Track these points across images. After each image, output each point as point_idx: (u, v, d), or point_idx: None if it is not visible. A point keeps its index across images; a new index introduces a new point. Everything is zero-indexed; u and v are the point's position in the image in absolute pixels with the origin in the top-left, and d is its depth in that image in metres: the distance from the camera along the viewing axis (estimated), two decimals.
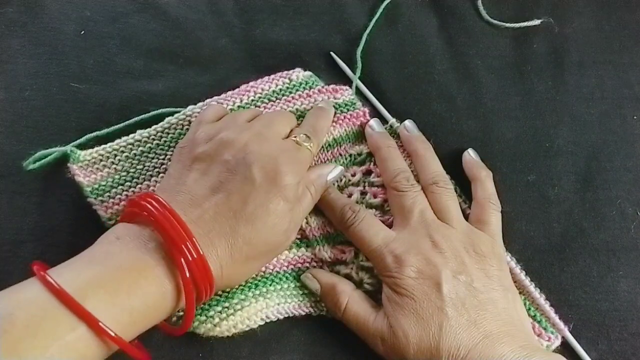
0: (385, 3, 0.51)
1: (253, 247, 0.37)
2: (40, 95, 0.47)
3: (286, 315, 0.42)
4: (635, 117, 0.49)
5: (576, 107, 0.49)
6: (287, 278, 0.43)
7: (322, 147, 0.46)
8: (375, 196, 0.45)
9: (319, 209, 0.44)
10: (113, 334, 0.31)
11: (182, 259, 0.34)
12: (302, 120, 0.45)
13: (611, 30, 0.52)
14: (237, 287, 0.41)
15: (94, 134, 0.45)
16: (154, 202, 0.35)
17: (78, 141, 0.45)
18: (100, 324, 0.30)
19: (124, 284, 0.32)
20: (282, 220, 0.38)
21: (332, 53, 0.49)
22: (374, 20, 0.50)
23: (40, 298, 0.31)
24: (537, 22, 0.51)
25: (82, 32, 0.49)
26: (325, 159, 0.46)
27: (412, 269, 0.39)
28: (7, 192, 0.44)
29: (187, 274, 0.34)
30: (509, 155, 0.47)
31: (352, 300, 0.40)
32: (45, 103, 0.47)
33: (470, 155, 0.46)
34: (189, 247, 0.34)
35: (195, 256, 0.34)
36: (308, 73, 0.48)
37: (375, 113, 0.48)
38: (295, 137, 0.41)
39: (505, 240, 0.43)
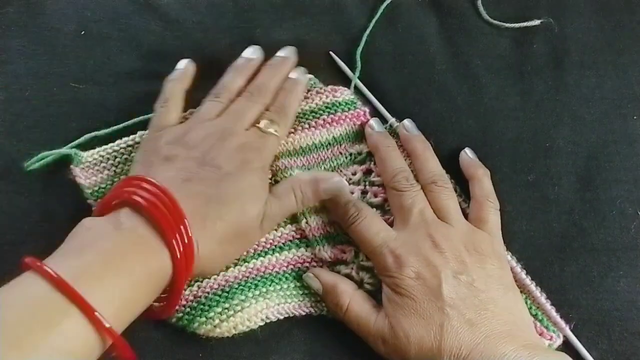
0: (385, 3, 0.51)
1: (225, 226, 0.38)
2: (40, 95, 0.47)
3: (286, 316, 0.42)
4: (635, 117, 0.49)
5: (576, 107, 0.49)
6: (287, 278, 0.43)
7: (322, 145, 0.46)
8: (375, 195, 0.45)
9: (319, 208, 0.44)
10: (108, 325, 0.31)
11: (174, 240, 0.35)
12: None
13: (611, 30, 0.52)
14: (237, 287, 0.41)
15: (93, 134, 0.45)
16: (143, 183, 0.37)
17: (77, 141, 0.45)
18: (96, 313, 0.31)
19: (112, 268, 0.33)
20: (252, 202, 0.40)
21: (331, 52, 0.49)
22: (374, 20, 0.50)
23: (37, 290, 0.31)
24: (537, 22, 0.51)
25: (83, 32, 0.49)
26: (325, 157, 0.46)
27: (412, 269, 0.39)
28: (7, 192, 0.44)
29: (179, 255, 0.35)
30: (509, 155, 0.47)
31: (353, 301, 0.40)
32: (45, 103, 0.47)
33: (467, 155, 0.46)
34: (182, 229, 0.35)
35: (186, 238, 0.35)
36: (307, 76, 0.48)
37: (375, 113, 0.48)
38: (259, 124, 0.43)
39: (505, 239, 0.43)
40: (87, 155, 0.44)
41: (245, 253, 0.43)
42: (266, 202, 0.40)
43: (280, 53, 0.47)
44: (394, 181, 0.43)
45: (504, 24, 0.51)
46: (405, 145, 0.46)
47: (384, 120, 0.47)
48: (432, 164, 0.44)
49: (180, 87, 0.45)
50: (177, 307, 0.41)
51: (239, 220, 0.39)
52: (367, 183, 0.45)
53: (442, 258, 0.39)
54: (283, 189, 0.42)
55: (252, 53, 0.47)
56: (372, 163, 0.46)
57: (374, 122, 0.46)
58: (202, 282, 0.41)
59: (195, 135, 0.41)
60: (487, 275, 0.39)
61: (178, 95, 0.45)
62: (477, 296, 0.38)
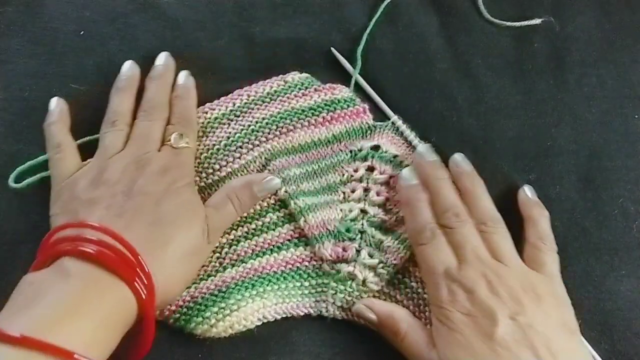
0: (386, 2, 0.51)
1: (174, 249, 0.38)
2: (40, 95, 0.47)
3: (284, 316, 0.42)
4: (636, 117, 0.49)
5: (577, 106, 0.49)
6: (285, 278, 0.43)
7: (322, 142, 0.46)
8: (378, 194, 0.45)
9: (317, 208, 0.44)
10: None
11: (136, 282, 0.35)
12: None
13: (612, 29, 0.52)
14: (234, 287, 0.41)
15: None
16: (81, 229, 0.36)
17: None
18: (76, 355, 0.30)
19: (66, 315, 0.32)
20: (192, 220, 0.40)
21: (332, 49, 0.49)
22: (374, 19, 0.50)
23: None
24: (538, 21, 0.51)
25: (82, 32, 0.49)
26: (325, 154, 0.46)
27: (464, 306, 0.38)
28: (7, 192, 0.44)
29: (144, 295, 0.35)
30: (510, 154, 0.47)
31: (411, 328, 0.40)
32: (45, 103, 0.46)
33: (526, 193, 0.44)
34: (139, 267, 0.35)
35: (144, 276, 0.35)
36: (305, 75, 0.48)
37: (376, 109, 0.48)
38: (169, 141, 0.42)
39: None
40: None
41: (243, 254, 0.43)
42: (206, 216, 0.41)
43: (158, 62, 0.47)
44: (444, 218, 0.41)
45: (504, 22, 0.51)
46: (456, 182, 0.44)
47: (384, 116, 0.47)
48: (483, 203, 0.42)
49: (64, 127, 0.44)
50: (174, 308, 0.41)
51: (185, 239, 0.39)
52: (369, 181, 0.45)
53: (496, 299, 0.37)
54: (219, 200, 0.42)
55: (128, 69, 0.46)
56: (374, 160, 0.45)
57: (424, 150, 0.44)
58: (199, 283, 0.41)
59: (113, 172, 0.40)
60: (547, 316, 0.38)
61: (68, 137, 0.44)
62: (535, 337, 0.36)
